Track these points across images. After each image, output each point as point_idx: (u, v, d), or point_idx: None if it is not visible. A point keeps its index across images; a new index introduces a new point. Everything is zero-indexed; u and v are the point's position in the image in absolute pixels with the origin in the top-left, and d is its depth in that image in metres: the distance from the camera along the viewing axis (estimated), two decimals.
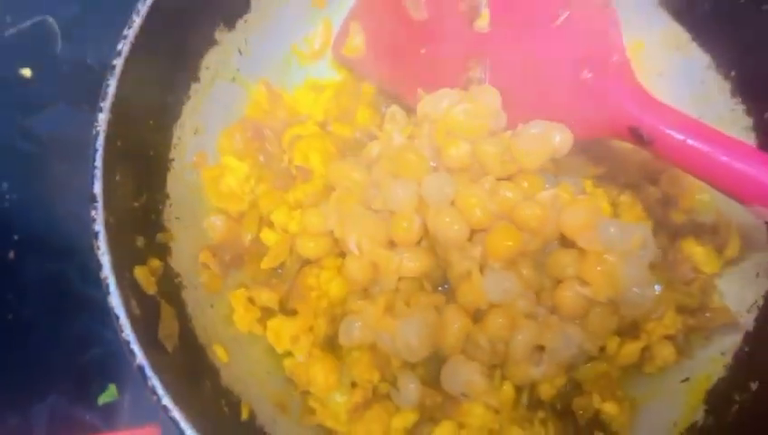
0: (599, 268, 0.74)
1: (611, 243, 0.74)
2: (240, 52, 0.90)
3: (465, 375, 0.75)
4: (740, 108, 0.87)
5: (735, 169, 0.71)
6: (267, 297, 0.82)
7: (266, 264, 0.84)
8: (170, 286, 0.77)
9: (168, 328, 0.72)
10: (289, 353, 0.82)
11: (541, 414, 0.82)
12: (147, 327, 0.68)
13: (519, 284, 0.75)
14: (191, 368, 0.73)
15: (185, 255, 0.81)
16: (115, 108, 0.71)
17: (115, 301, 0.65)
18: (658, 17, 0.92)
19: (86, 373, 1.00)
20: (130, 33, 0.74)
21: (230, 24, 0.87)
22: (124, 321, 0.65)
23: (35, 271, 1.03)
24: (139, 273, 0.71)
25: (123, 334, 0.65)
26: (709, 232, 0.86)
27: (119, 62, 0.72)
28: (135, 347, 0.65)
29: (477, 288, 0.74)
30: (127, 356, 0.65)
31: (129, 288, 0.68)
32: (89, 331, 1.00)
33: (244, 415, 0.75)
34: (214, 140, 0.88)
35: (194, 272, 0.81)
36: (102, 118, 0.70)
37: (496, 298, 0.74)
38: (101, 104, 0.70)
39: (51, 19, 1.15)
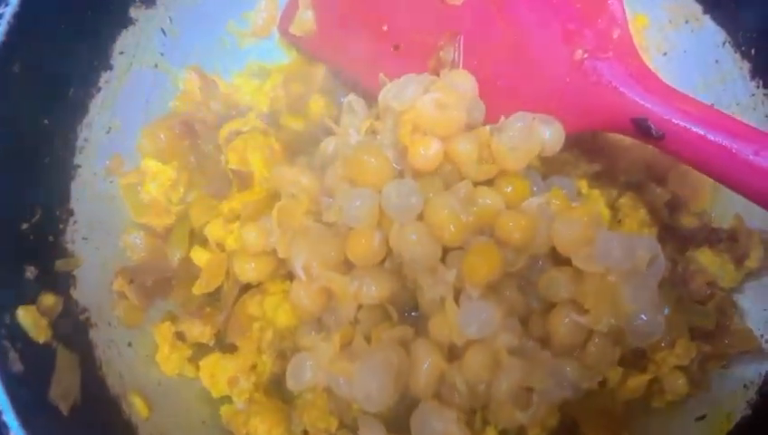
0: (598, 291, 0.63)
1: (613, 261, 0.62)
2: (164, 32, 0.77)
3: (438, 424, 0.64)
4: (761, 92, 0.76)
5: (764, 169, 0.59)
6: (200, 331, 0.71)
7: (198, 289, 0.71)
8: (72, 326, 0.65)
9: (65, 383, 0.60)
10: (227, 399, 0.70)
11: None
12: (32, 386, 0.56)
13: (501, 315, 0.62)
14: (97, 430, 0.61)
15: (94, 283, 0.69)
16: None
17: None
18: None
19: None
20: (8, 10, 0.59)
21: None
22: None
23: None
24: (25, 315, 0.58)
25: None
26: (726, 240, 0.75)
27: None
28: (9, 417, 0.51)
29: (452, 321, 0.62)
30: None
31: (9, 338, 0.54)
32: None
33: None
34: (132, 140, 0.75)
35: (106, 304, 0.69)
36: None
37: (475, 333, 0.62)
38: None
39: None
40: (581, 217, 0.65)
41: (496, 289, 0.64)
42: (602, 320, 0.62)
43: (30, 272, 0.61)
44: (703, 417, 0.70)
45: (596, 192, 0.78)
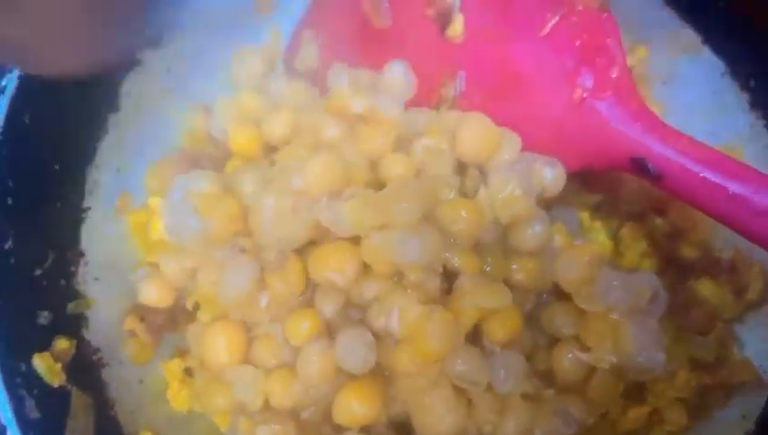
0: (600, 330, 0.64)
1: (614, 300, 0.62)
2: (168, 70, 0.76)
3: None
4: (760, 123, 0.77)
5: (762, 211, 0.59)
6: None
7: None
8: (86, 367, 0.66)
9: (79, 424, 0.61)
10: None
11: None
12: (48, 433, 0.56)
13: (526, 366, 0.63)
14: None
15: (106, 323, 0.69)
16: (2, 158, 0.58)
17: (2, 408, 0.53)
18: (664, 17, 0.80)
19: None
20: None
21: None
22: (14, 433, 0.52)
23: None
24: (41, 362, 0.58)
25: None
26: (726, 271, 0.75)
27: (3, 102, 0.59)
28: None
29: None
30: None
31: (25, 386, 0.55)
32: None
33: None
34: (140, 178, 0.75)
35: (118, 343, 0.69)
36: None
37: (512, 387, 0.62)
38: None
39: None
40: (584, 256, 0.65)
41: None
42: (604, 358, 0.63)
43: (44, 317, 0.62)
44: None
45: (598, 223, 0.79)
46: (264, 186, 0.63)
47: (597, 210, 0.79)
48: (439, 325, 0.57)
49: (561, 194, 0.75)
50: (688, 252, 0.77)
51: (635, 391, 0.71)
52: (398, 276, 0.61)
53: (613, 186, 0.79)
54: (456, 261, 0.60)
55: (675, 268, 0.77)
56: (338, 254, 0.61)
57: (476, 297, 0.59)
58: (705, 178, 0.62)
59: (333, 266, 0.60)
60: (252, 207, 0.64)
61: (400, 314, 0.58)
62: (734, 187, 0.61)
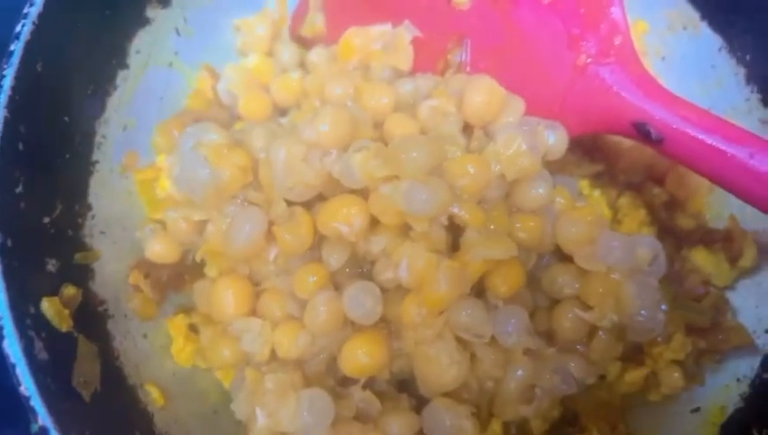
0: (602, 289, 0.65)
1: (615, 260, 0.63)
2: (178, 32, 0.78)
3: (452, 420, 0.64)
4: (755, 97, 0.78)
5: (760, 173, 0.61)
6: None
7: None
8: (92, 317, 0.66)
9: (86, 371, 0.60)
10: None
11: None
12: (56, 374, 0.56)
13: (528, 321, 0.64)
14: (116, 417, 0.62)
15: (112, 277, 0.69)
16: (14, 104, 0.59)
17: (12, 346, 0.53)
18: None
19: None
20: (32, 10, 0.60)
21: None
22: (23, 370, 0.52)
23: None
24: (49, 306, 0.59)
25: (21, 388, 0.52)
26: (721, 240, 0.76)
27: (17, 48, 0.59)
28: (37, 403, 0.52)
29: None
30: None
31: (34, 327, 0.55)
32: None
33: None
34: (147, 137, 0.76)
35: (123, 297, 0.69)
36: None
37: (516, 342, 0.63)
38: None
39: None
40: (585, 217, 0.67)
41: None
42: (606, 316, 0.64)
43: (52, 264, 0.62)
44: (697, 409, 0.72)
45: (597, 192, 0.80)
46: (275, 139, 0.64)
47: (596, 179, 0.80)
48: (447, 273, 0.58)
49: (561, 163, 0.77)
50: (685, 222, 0.78)
51: (633, 354, 0.73)
52: (404, 229, 0.62)
53: (613, 156, 0.80)
54: (463, 215, 0.61)
55: (671, 237, 0.78)
56: (346, 205, 0.61)
57: (483, 249, 0.60)
58: (704, 141, 0.63)
59: (341, 218, 0.61)
60: (262, 159, 0.64)
61: (409, 262, 0.59)
62: (732, 150, 0.62)
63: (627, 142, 0.78)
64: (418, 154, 0.58)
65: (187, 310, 0.72)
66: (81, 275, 0.65)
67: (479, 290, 0.65)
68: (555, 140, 0.68)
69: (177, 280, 0.72)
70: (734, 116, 0.78)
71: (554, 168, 0.75)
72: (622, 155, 0.80)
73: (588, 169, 0.80)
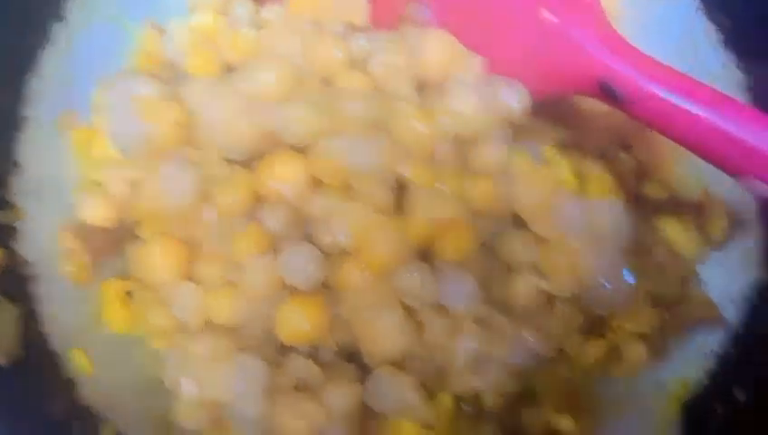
0: (560, 257, 0.62)
1: (572, 226, 0.60)
2: None
3: (395, 391, 0.61)
4: (733, 62, 0.74)
5: (731, 135, 0.58)
6: None
7: None
8: (15, 279, 0.62)
9: (5, 335, 0.56)
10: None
11: (485, 429, 0.69)
12: None
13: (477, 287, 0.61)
14: (36, 383, 0.59)
15: (42, 238, 0.66)
16: None
17: None
18: None
19: None
20: None
21: None
22: None
23: None
24: None
25: None
26: (692, 210, 0.73)
27: None
28: None
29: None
30: None
31: None
32: None
33: None
34: (86, 96, 0.70)
35: (53, 260, 0.65)
36: None
37: (462, 308, 0.60)
38: None
39: None
40: (543, 181, 0.64)
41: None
42: (564, 287, 0.62)
43: None
44: (661, 385, 0.69)
45: (563, 160, 0.77)
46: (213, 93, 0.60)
47: (562, 146, 0.76)
48: (387, 234, 0.55)
49: (526, 130, 0.74)
50: (654, 191, 0.75)
51: (594, 326, 0.69)
52: (348, 190, 0.58)
53: (580, 123, 0.77)
54: (409, 173, 0.57)
55: (640, 207, 0.75)
56: (285, 163, 0.58)
57: (427, 208, 0.57)
58: (672, 102, 0.60)
59: (280, 176, 0.57)
60: (199, 115, 0.60)
61: (348, 223, 0.55)
62: (701, 111, 0.59)
63: (594, 109, 0.75)
64: (359, 107, 0.54)
65: (124, 277, 0.68)
66: (5, 236, 0.62)
67: (427, 256, 0.61)
68: (516, 100, 0.65)
69: (114, 244, 0.68)
70: (710, 81, 0.71)
71: (519, 134, 0.72)
72: (589, 122, 0.76)
73: (553, 136, 0.76)
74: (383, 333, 0.58)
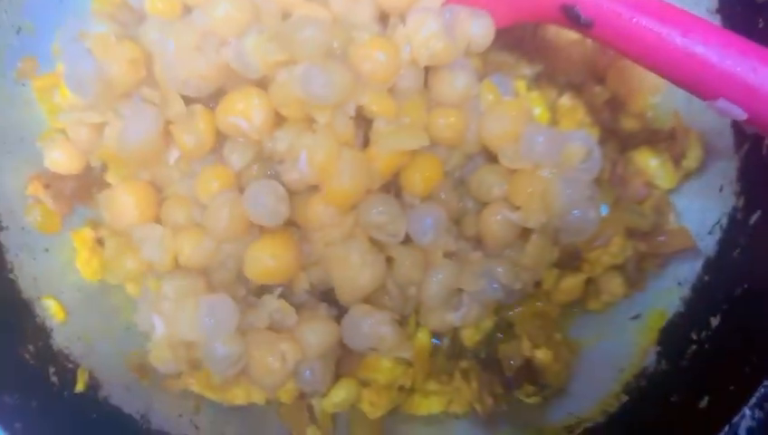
0: (529, 188, 0.61)
1: (540, 156, 0.59)
2: None
3: (371, 327, 0.61)
4: None
5: (697, 55, 0.56)
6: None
7: None
8: None
9: None
10: None
11: (463, 364, 0.69)
12: None
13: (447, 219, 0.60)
14: (7, 330, 0.58)
15: (8, 188, 0.65)
16: None
17: None
18: None
19: None
20: None
21: None
22: None
23: None
24: None
25: None
26: (666, 139, 0.71)
27: None
28: None
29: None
30: None
31: None
32: None
33: (80, 385, 0.60)
34: (47, 43, 0.69)
35: (20, 209, 0.64)
36: None
37: (431, 242, 0.60)
38: None
39: None
40: (510, 112, 0.62)
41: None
42: (533, 216, 0.61)
43: None
44: (637, 316, 0.69)
45: (535, 93, 0.75)
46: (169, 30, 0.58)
47: (535, 81, 0.75)
48: (350, 163, 0.54)
49: (498, 65, 0.72)
50: (628, 122, 0.74)
51: (570, 259, 0.69)
52: (311, 124, 0.57)
53: (551, 56, 0.75)
54: (371, 104, 0.56)
55: (615, 139, 0.74)
56: (244, 98, 0.57)
57: (392, 139, 0.56)
58: (636, 22, 0.58)
59: (240, 112, 0.56)
60: (156, 53, 0.59)
61: (308, 154, 0.54)
62: (664, 29, 0.57)
63: (565, 40, 0.73)
64: (313, 33, 0.53)
65: (96, 224, 0.68)
66: None
67: (396, 191, 0.61)
68: (480, 29, 0.63)
69: (83, 192, 0.68)
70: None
71: (490, 69, 0.70)
72: (561, 54, 0.74)
73: (525, 70, 0.74)
74: (352, 268, 0.57)
